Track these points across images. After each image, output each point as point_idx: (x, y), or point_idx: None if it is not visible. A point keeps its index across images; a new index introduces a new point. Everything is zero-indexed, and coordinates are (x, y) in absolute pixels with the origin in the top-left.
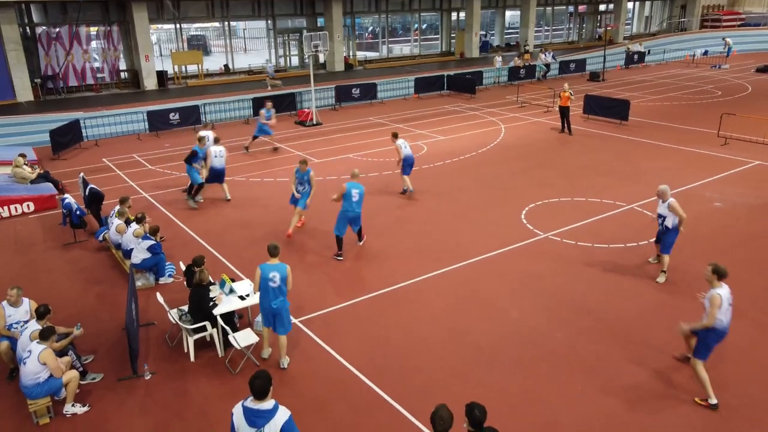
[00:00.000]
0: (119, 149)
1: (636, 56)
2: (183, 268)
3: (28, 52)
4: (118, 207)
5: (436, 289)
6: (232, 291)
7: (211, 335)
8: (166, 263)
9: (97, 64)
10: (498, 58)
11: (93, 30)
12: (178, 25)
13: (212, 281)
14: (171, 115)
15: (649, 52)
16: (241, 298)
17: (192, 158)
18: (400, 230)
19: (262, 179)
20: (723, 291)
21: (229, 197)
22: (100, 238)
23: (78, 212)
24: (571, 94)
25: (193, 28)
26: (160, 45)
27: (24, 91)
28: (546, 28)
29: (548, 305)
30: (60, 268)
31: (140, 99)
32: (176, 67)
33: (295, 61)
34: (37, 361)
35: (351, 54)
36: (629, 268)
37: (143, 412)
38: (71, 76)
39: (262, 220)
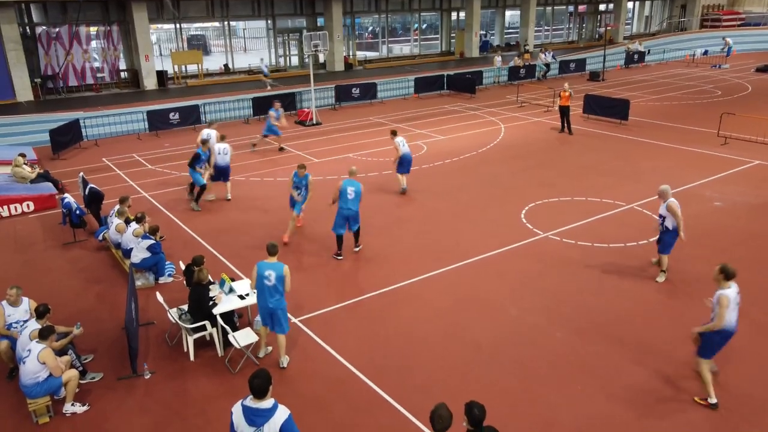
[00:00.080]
0: (119, 149)
1: (636, 56)
2: (182, 267)
3: (28, 52)
4: (117, 206)
5: (436, 289)
6: (231, 290)
7: (210, 334)
8: (166, 262)
9: (97, 64)
10: (498, 58)
11: (93, 30)
12: (177, 25)
13: (212, 280)
14: (171, 115)
15: (649, 52)
16: (241, 297)
17: (195, 161)
18: (399, 229)
19: (262, 179)
20: (730, 291)
21: (229, 197)
22: (100, 237)
23: (78, 212)
24: (571, 94)
25: (193, 28)
26: (159, 45)
27: (24, 91)
28: (546, 27)
29: (548, 305)
30: (60, 267)
31: (140, 99)
32: (176, 67)
33: (295, 60)
34: (36, 361)
35: (351, 54)
36: (629, 268)
37: (143, 412)
38: (71, 75)
39: (261, 219)
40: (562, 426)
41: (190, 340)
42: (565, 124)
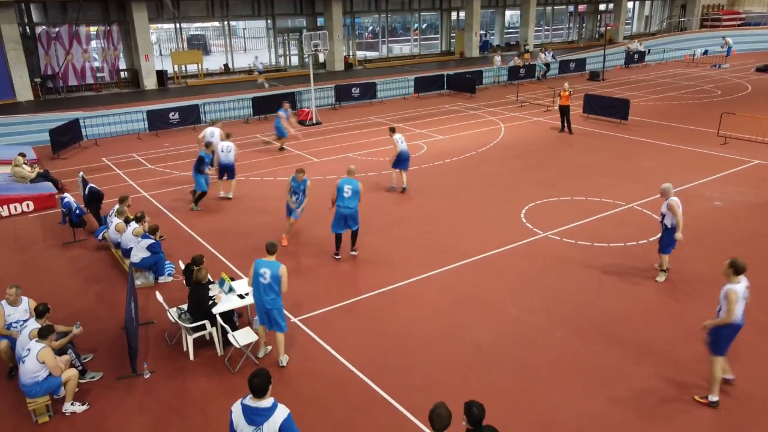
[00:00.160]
0: (119, 148)
1: (636, 56)
2: (182, 266)
3: (27, 52)
4: (117, 206)
5: (436, 288)
6: (231, 290)
7: (210, 334)
8: (166, 262)
9: (96, 64)
10: (497, 58)
11: (93, 30)
12: (177, 25)
13: (211, 280)
14: (171, 115)
15: (649, 52)
16: (241, 296)
17: (200, 164)
18: (399, 229)
19: (261, 178)
20: (739, 286)
21: (231, 195)
22: (100, 237)
23: (77, 211)
24: (571, 93)
25: (193, 28)
26: (159, 44)
27: (24, 91)
28: (546, 27)
29: (548, 304)
30: (59, 267)
31: (140, 98)
32: (176, 67)
33: (295, 60)
34: (35, 360)
35: (351, 53)
36: (629, 268)
37: (142, 411)
38: (71, 75)
39: (261, 219)
40: (562, 426)
41: (190, 339)
42: (565, 124)
